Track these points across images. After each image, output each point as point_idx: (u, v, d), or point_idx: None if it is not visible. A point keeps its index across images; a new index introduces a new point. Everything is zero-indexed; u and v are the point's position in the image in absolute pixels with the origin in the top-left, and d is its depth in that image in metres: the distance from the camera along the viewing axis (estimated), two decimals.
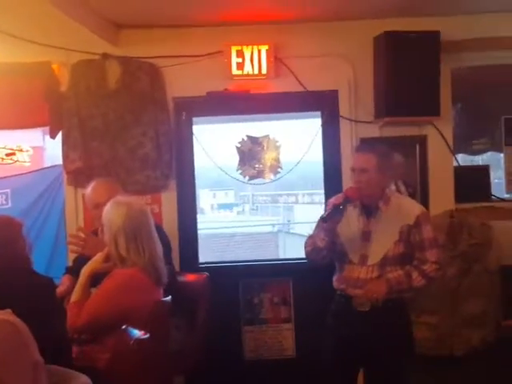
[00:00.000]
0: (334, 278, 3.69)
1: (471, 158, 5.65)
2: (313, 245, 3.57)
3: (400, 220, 3.50)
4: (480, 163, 5.61)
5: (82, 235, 3.74)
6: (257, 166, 4.92)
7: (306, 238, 3.69)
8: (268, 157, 4.90)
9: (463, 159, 5.34)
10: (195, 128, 4.83)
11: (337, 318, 3.66)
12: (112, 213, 3.24)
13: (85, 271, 3.26)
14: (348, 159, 4.64)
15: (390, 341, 3.47)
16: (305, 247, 3.65)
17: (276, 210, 6.76)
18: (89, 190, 3.96)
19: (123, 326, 2.95)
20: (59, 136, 4.60)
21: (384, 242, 3.50)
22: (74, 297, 3.21)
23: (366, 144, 3.76)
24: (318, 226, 3.59)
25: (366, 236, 3.53)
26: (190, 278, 4.16)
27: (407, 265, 3.53)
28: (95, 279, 3.28)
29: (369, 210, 3.54)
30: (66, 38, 4.47)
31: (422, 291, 4.17)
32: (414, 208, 3.58)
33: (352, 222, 3.56)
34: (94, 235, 3.66)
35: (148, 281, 3.23)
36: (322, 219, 3.45)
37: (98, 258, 3.28)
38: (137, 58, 4.59)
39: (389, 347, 3.46)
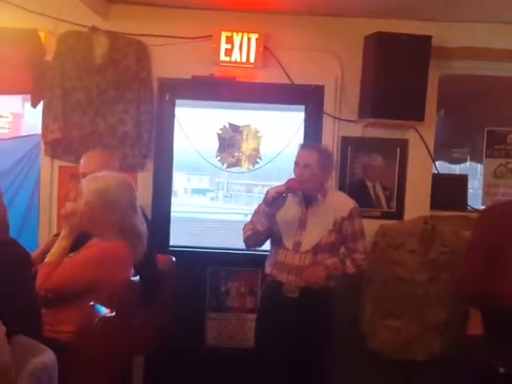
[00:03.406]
0: (267, 263, 3.99)
1: (449, 166, 5.67)
2: (253, 229, 3.88)
3: (335, 212, 3.83)
4: (458, 172, 5.64)
5: None
6: (236, 154, 4.89)
7: (244, 224, 3.99)
8: (248, 146, 4.88)
9: (441, 167, 5.36)
10: (177, 110, 4.79)
11: (266, 302, 4.03)
12: (112, 186, 3.21)
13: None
14: None
15: (314, 327, 3.76)
16: (244, 232, 3.95)
17: (250, 199, 6.74)
18: (83, 159, 3.97)
19: (91, 303, 2.92)
20: (40, 105, 4.53)
21: (318, 231, 3.82)
22: (51, 257, 3.16)
23: (309, 142, 4.12)
24: (256, 213, 3.96)
25: (302, 224, 3.84)
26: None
27: (335, 254, 3.87)
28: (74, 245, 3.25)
29: (307, 201, 3.86)
30: (56, 6, 4.41)
31: (389, 295, 4.27)
32: (348, 202, 3.92)
33: (290, 210, 3.85)
34: None
35: (125, 257, 3.22)
36: (267, 203, 3.81)
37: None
38: (125, 34, 4.53)
39: (313, 334, 3.76)
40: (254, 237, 3.89)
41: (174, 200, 5.03)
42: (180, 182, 8.33)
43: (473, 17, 4.45)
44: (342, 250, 3.95)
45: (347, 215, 3.82)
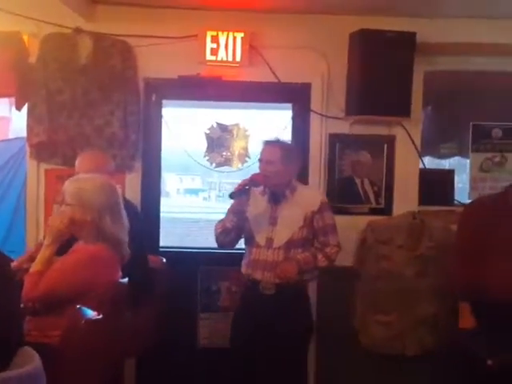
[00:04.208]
0: (243, 263, 4.01)
1: (439, 161, 5.69)
2: (222, 227, 3.91)
3: (305, 207, 3.87)
4: (447, 167, 5.65)
5: None
6: (224, 153, 4.89)
7: (216, 222, 4.01)
8: (236, 145, 4.88)
9: (431, 162, 5.38)
10: (164, 110, 4.78)
11: (244, 301, 4.05)
12: (89, 189, 3.17)
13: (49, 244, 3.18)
14: (316, 153, 4.67)
15: (291, 324, 3.79)
16: (215, 230, 3.96)
17: None
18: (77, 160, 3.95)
19: (77, 306, 2.91)
20: (25, 108, 4.50)
21: (289, 227, 3.86)
22: (36, 266, 3.10)
23: (273, 139, 4.12)
24: (227, 212, 3.96)
25: (272, 220, 3.89)
26: None
27: (308, 248, 3.90)
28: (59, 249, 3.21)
29: (276, 198, 3.90)
30: (39, 9, 4.38)
31: (378, 291, 4.28)
32: (317, 196, 3.99)
33: (260, 207, 3.92)
34: None
35: (112, 260, 3.19)
36: (229, 195, 3.81)
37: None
38: (110, 34, 4.51)
39: (290, 330, 3.77)
40: (223, 234, 3.92)
41: (166, 201, 5.03)
42: (172, 182, 8.33)
43: (455, 12, 4.46)
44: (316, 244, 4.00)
45: (317, 209, 3.86)
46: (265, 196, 3.93)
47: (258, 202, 3.93)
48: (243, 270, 3.99)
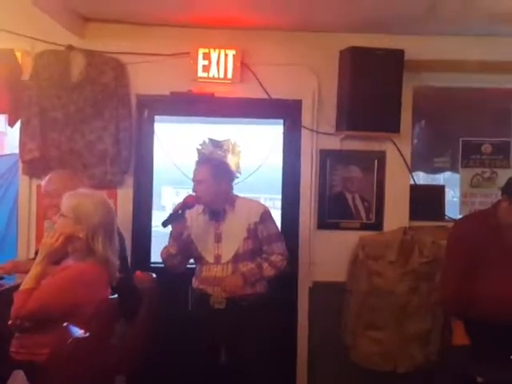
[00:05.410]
0: (194, 279, 4.05)
1: (433, 176, 5.68)
2: (167, 253, 3.98)
3: (247, 219, 3.91)
4: (441, 182, 5.66)
5: None
6: None
7: (161, 249, 4.06)
8: (228, 161, 4.88)
9: (424, 177, 5.38)
10: (157, 126, 4.81)
11: (197, 314, 4.03)
12: (87, 205, 3.19)
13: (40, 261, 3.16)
14: (307, 169, 4.69)
15: (244, 337, 3.85)
16: (161, 256, 4.04)
17: None
18: (45, 179, 4.00)
19: (64, 324, 2.91)
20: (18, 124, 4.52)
21: (234, 241, 3.90)
22: (27, 284, 3.08)
23: (203, 157, 4.28)
24: (169, 238, 4.00)
25: (217, 237, 3.93)
26: (136, 276, 4.13)
27: (257, 259, 3.92)
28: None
29: (217, 214, 3.94)
30: (32, 26, 4.43)
31: (370, 307, 4.29)
32: (258, 207, 4.01)
33: (203, 227, 3.96)
34: None
35: (102, 277, 3.20)
36: (162, 223, 3.84)
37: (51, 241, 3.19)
38: (102, 52, 4.55)
39: (243, 344, 3.86)
40: (169, 260, 3.98)
41: (162, 215, 5.02)
42: (168, 196, 8.31)
43: (443, 30, 4.49)
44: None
45: (259, 220, 3.90)
46: (206, 215, 3.97)
47: (200, 222, 3.97)
48: (194, 284, 4.04)
